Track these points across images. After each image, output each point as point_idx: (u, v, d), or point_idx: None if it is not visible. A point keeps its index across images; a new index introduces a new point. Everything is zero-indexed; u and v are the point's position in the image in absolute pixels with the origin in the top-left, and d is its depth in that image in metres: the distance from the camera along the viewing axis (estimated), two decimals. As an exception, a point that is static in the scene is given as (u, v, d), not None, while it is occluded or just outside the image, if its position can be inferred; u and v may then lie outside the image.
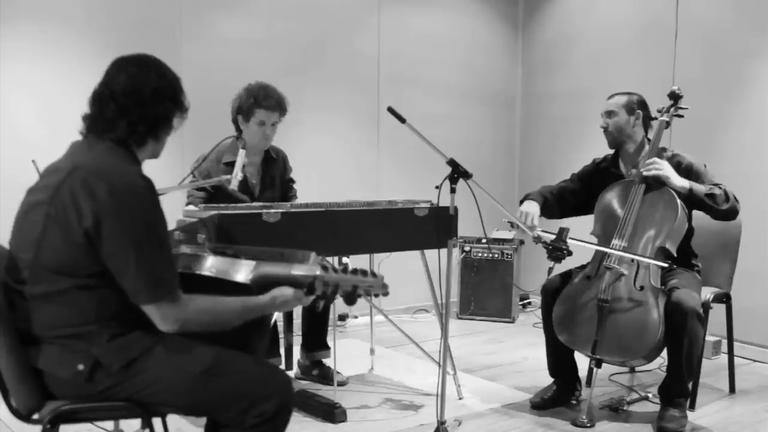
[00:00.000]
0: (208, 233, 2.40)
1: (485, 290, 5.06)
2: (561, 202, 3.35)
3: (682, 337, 2.87)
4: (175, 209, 2.57)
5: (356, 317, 4.92)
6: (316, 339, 3.57)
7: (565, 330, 3.09)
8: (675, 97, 3.30)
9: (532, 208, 3.20)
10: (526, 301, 5.44)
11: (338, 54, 4.81)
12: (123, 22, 3.96)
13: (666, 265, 2.97)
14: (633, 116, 3.21)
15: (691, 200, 3.01)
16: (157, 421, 1.84)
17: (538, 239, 2.99)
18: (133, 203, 1.69)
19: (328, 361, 3.55)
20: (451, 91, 5.40)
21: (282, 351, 3.13)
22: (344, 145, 4.90)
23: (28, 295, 1.73)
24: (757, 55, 4.14)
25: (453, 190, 2.75)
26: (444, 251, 2.76)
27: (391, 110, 2.79)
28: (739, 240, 3.44)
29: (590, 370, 3.28)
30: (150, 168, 1.86)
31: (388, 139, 5.04)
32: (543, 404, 3.23)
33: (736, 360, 3.61)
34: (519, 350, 4.30)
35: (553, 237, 2.93)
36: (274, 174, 3.44)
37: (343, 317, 4.83)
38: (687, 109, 3.32)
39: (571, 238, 2.92)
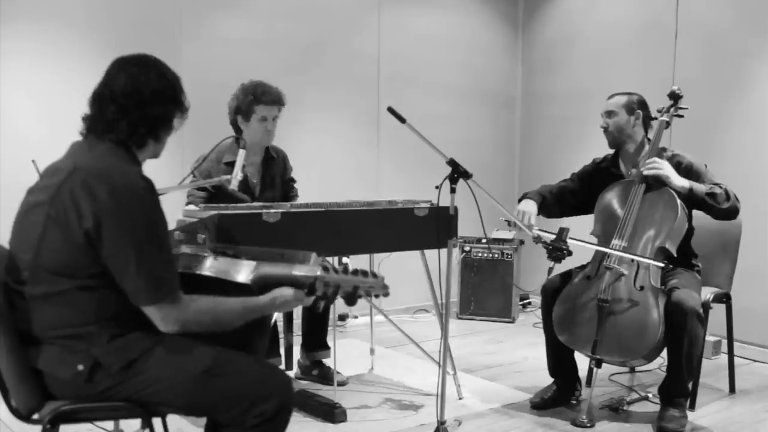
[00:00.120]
0: (208, 233, 2.40)
1: (485, 290, 5.06)
2: (560, 201, 3.35)
3: (682, 337, 2.87)
4: (175, 209, 2.57)
5: (356, 317, 4.92)
6: (316, 339, 3.57)
7: (565, 330, 3.09)
8: (675, 97, 3.30)
9: (529, 206, 3.21)
10: (526, 301, 5.44)
11: (338, 54, 4.81)
12: (123, 22, 3.96)
13: (662, 264, 2.97)
14: (633, 116, 3.21)
15: (692, 200, 3.01)
16: (157, 421, 1.84)
17: (538, 239, 2.99)
18: (134, 204, 1.69)
19: (328, 361, 3.55)
20: (451, 91, 5.40)
21: (282, 351, 3.13)
22: (344, 145, 4.90)
23: (28, 296, 1.73)
24: (757, 55, 4.14)
25: (453, 190, 2.75)
26: (444, 251, 2.76)
27: (391, 110, 2.79)
28: (739, 240, 3.44)
29: (590, 370, 3.28)
30: (150, 168, 1.86)
31: (388, 139, 5.04)
32: (543, 404, 3.23)
33: (736, 360, 3.61)
34: (519, 350, 4.30)
35: (553, 237, 2.93)
36: (275, 174, 3.44)
37: (343, 317, 4.83)
38: (687, 109, 3.32)
39: (571, 238, 2.92)
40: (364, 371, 3.76)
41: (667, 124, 3.27)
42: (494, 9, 5.61)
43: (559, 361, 3.26)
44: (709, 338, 3.89)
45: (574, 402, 3.27)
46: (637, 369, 3.79)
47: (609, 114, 3.24)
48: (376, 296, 1.92)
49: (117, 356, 1.72)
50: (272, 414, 1.76)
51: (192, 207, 2.77)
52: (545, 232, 3.00)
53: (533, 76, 5.68)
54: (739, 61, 4.22)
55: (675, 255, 3.07)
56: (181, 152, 3.93)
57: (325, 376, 3.49)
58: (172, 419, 2.06)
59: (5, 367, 1.74)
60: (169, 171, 3.76)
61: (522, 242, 5.10)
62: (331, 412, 3.02)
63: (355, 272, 1.84)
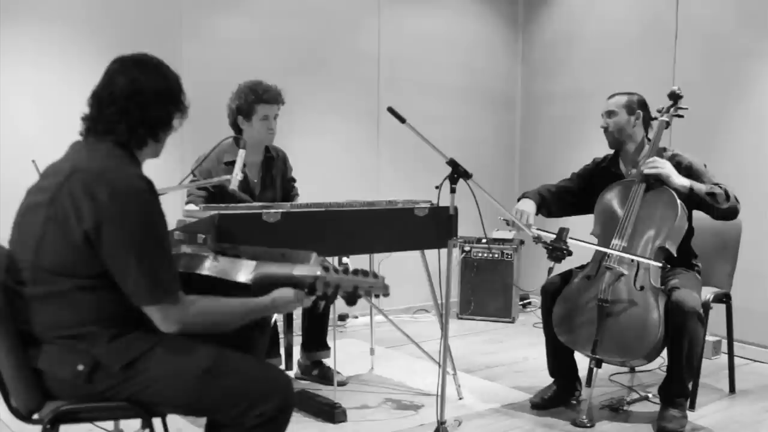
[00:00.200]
0: (208, 233, 2.40)
1: (485, 290, 5.06)
2: (560, 201, 3.35)
3: (682, 337, 2.87)
4: (175, 209, 2.57)
5: (356, 317, 4.92)
6: (316, 339, 3.57)
7: (565, 330, 3.09)
8: (675, 97, 3.30)
9: (528, 206, 3.21)
10: (526, 301, 5.44)
11: (338, 54, 4.81)
12: (123, 22, 3.96)
13: (660, 264, 2.96)
14: (633, 116, 3.21)
15: (692, 199, 3.01)
16: (157, 421, 1.83)
17: (538, 239, 2.99)
18: (134, 205, 1.69)
19: (328, 361, 3.55)
20: (451, 92, 5.40)
21: (282, 351, 3.13)
22: (344, 145, 4.90)
23: (28, 296, 1.73)
24: (757, 56, 4.14)
25: (453, 190, 2.75)
26: (444, 251, 2.76)
27: (391, 110, 2.79)
28: (739, 240, 3.44)
29: (590, 370, 3.27)
30: (150, 168, 1.85)
31: (388, 139, 5.04)
32: (543, 404, 3.23)
33: (736, 360, 3.61)
34: (519, 350, 4.30)
35: (553, 237, 2.92)
36: (275, 173, 3.44)
37: (343, 317, 4.83)
38: (687, 109, 3.32)
39: (571, 238, 2.92)
40: (364, 371, 3.76)
41: (667, 124, 3.27)
42: (494, 9, 5.61)
43: (559, 361, 3.26)
44: (709, 338, 3.89)
45: (574, 402, 3.27)
46: (637, 369, 3.78)
47: (609, 114, 3.24)
48: (377, 296, 1.92)
49: (117, 356, 1.71)
50: (272, 414, 1.76)
51: (192, 207, 2.77)
52: (545, 232, 3.00)
53: (533, 76, 5.68)
54: (740, 61, 4.22)
55: (675, 255, 3.07)
56: (181, 152, 3.93)
57: (325, 376, 3.49)
58: (172, 419, 2.06)
59: (5, 367, 1.74)
60: (169, 171, 3.76)
61: (522, 242, 5.10)
62: (331, 412, 3.02)
63: (356, 272, 1.84)
